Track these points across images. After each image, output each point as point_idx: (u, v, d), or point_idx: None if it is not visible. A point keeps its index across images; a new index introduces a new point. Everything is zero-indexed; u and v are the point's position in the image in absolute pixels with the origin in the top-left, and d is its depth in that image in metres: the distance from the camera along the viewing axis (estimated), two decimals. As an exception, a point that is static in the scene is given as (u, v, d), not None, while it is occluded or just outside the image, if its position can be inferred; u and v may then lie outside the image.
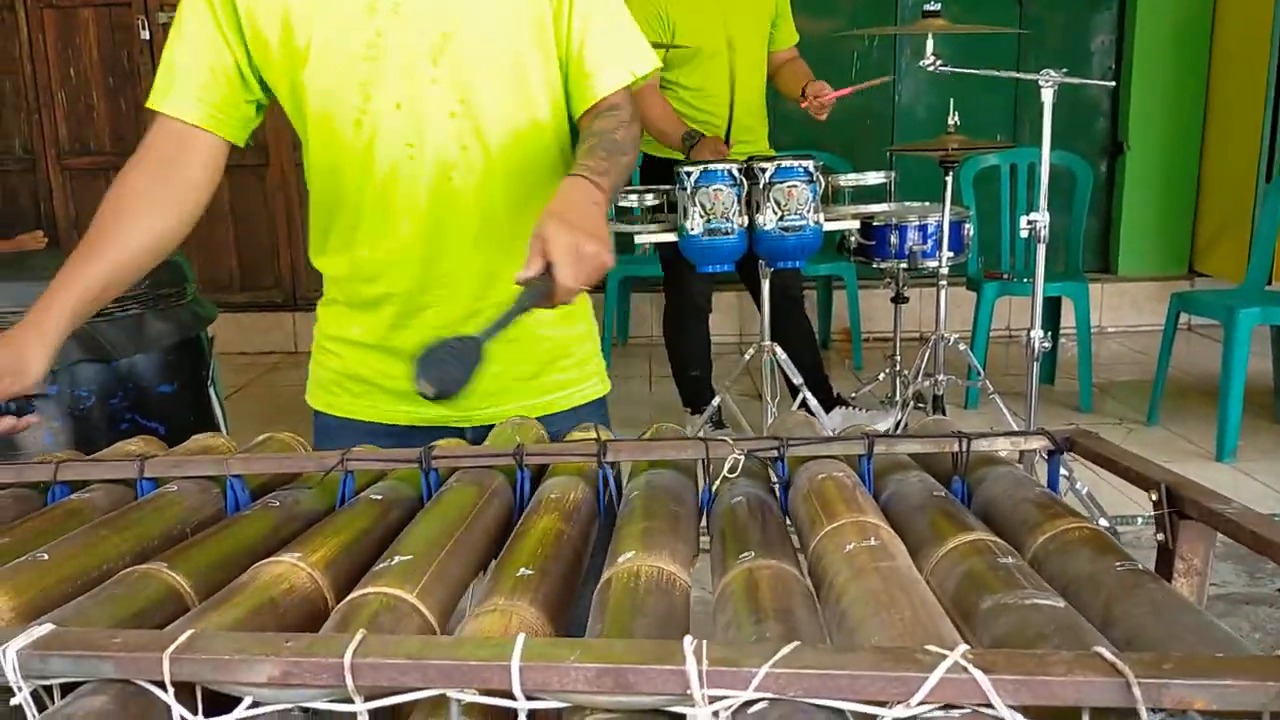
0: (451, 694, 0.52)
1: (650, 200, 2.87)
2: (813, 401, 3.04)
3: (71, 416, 1.88)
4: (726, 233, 2.66)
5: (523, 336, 1.29)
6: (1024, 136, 4.94)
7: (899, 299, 3.41)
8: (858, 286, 4.44)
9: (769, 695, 0.49)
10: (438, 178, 1.21)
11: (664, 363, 4.70)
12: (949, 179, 3.06)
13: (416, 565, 0.74)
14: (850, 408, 3.33)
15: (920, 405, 3.20)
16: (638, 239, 2.95)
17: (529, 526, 0.85)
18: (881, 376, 3.59)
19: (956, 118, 3.00)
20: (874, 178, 2.88)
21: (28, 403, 1.11)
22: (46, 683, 0.55)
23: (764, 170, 2.65)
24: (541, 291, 1.01)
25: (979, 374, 3.25)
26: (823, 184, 2.69)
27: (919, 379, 3.16)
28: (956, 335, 3.18)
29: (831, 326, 4.90)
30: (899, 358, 3.50)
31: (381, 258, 1.25)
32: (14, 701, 0.54)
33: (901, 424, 3.13)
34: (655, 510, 0.88)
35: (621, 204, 2.91)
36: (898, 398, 3.42)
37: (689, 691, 0.49)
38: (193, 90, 1.19)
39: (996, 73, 2.70)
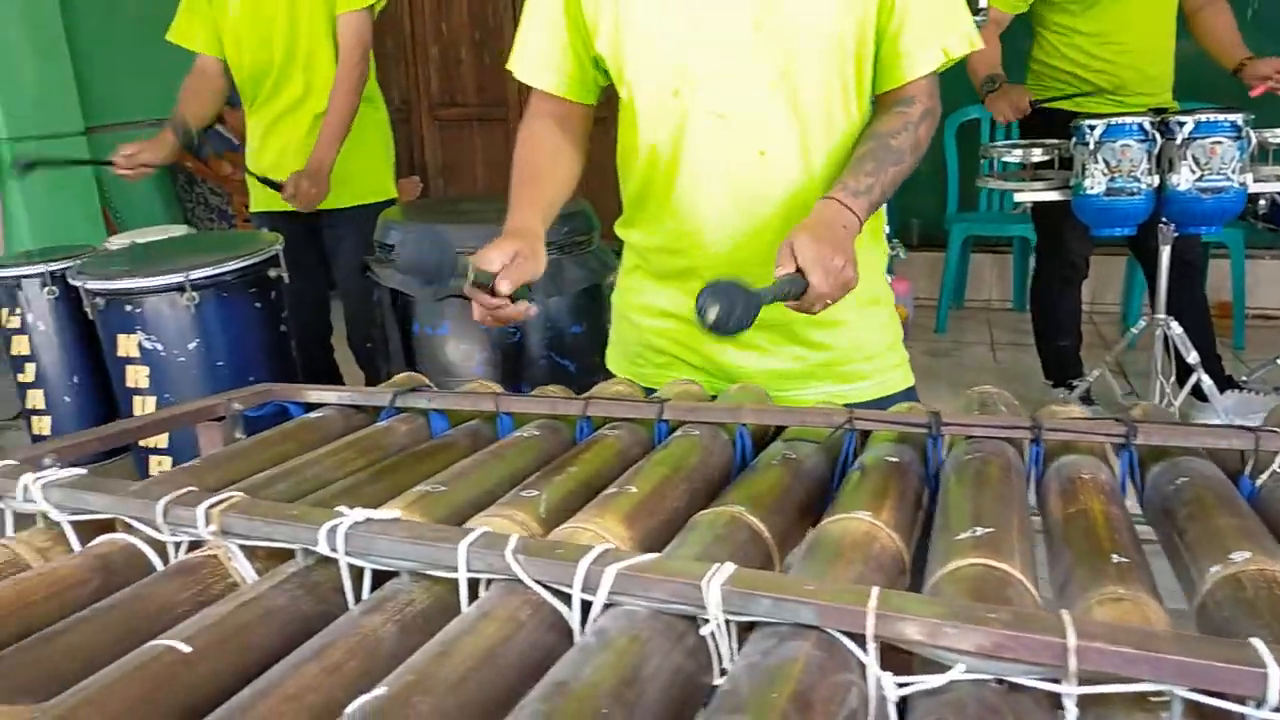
0: (1179, 692, 0.49)
1: (1038, 155, 2.68)
2: (1207, 383, 2.75)
3: (500, 350, 2.06)
4: (1132, 193, 2.44)
5: (827, 321, 1.25)
6: None
7: (1316, 273, 2.99)
8: (1244, 256, 3.96)
9: None
10: (750, 151, 1.20)
11: (1007, 328, 4.46)
12: (1407, 136, 2.61)
13: (999, 537, 0.72)
14: (1245, 390, 2.98)
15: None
16: (1017, 196, 2.77)
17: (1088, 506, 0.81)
18: (1281, 360, 3.17)
19: None
20: (1314, 134, 2.52)
21: (529, 292, 1.16)
22: (737, 619, 0.58)
23: (1181, 125, 2.40)
24: (798, 285, 1.04)
25: None
26: (1253, 141, 2.39)
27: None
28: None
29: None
30: (1308, 339, 3.08)
31: (690, 230, 1.25)
32: (704, 631, 0.58)
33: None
34: (1207, 501, 0.81)
35: (1006, 159, 2.75)
36: (1304, 384, 3.02)
37: None
38: (553, 65, 1.27)
39: None
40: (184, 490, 0.74)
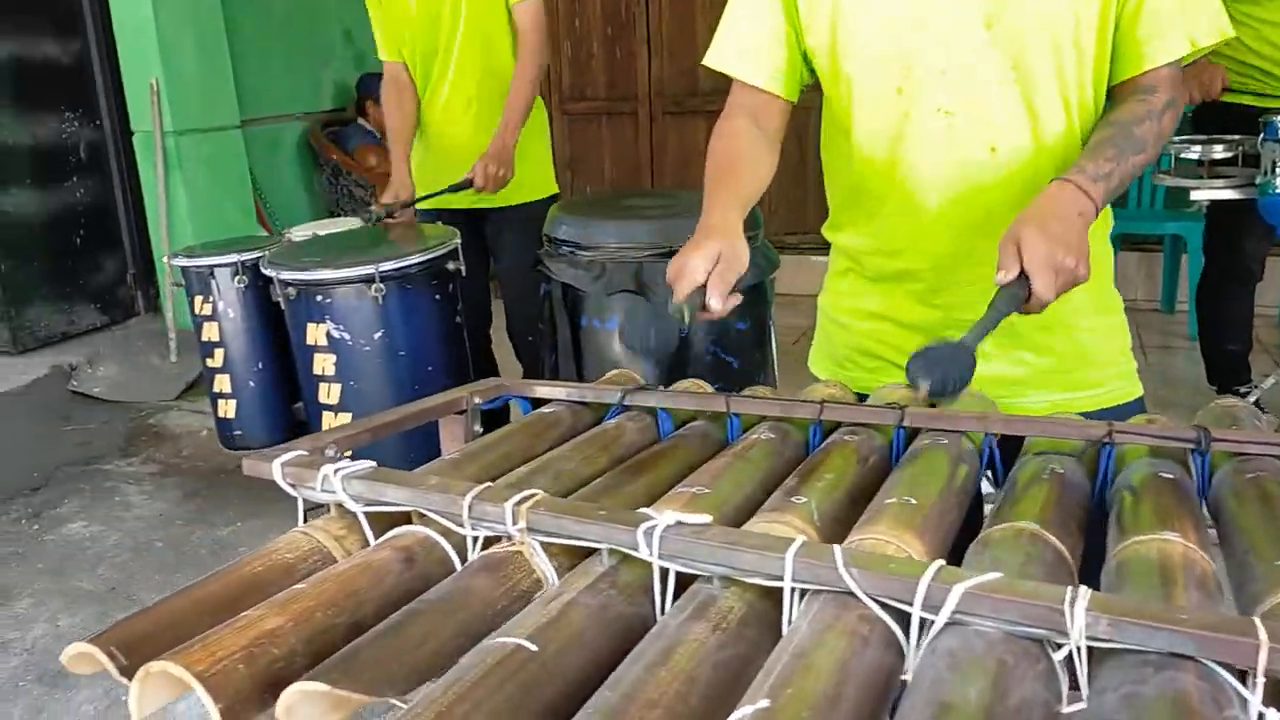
0: None
1: (1220, 152, 2.55)
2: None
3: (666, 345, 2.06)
4: (1326, 192, 2.30)
5: (1055, 325, 1.19)
6: None
7: None
8: None
9: None
10: (980, 149, 1.15)
11: (1156, 330, 4.27)
12: None
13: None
14: None
15: None
16: (1194, 194, 2.64)
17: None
18: None
19: None
20: None
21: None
22: (1099, 645, 0.55)
23: (1385, 119, 2.25)
24: (1018, 298, 0.99)
25: None
26: None
27: None
28: None
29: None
30: None
31: (909, 231, 1.20)
32: (1059, 655, 0.56)
33: None
34: None
35: (1184, 155, 2.63)
36: None
37: None
38: (761, 58, 1.23)
39: None
40: (484, 486, 0.75)
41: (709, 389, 1.21)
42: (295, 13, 4.95)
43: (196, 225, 4.05)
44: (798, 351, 2.56)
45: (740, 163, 1.24)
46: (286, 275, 1.96)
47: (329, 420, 2.05)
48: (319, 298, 1.97)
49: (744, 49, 1.26)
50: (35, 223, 4.10)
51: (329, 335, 1.98)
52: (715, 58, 1.28)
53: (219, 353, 2.36)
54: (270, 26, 4.79)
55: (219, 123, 4.13)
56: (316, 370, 2.01)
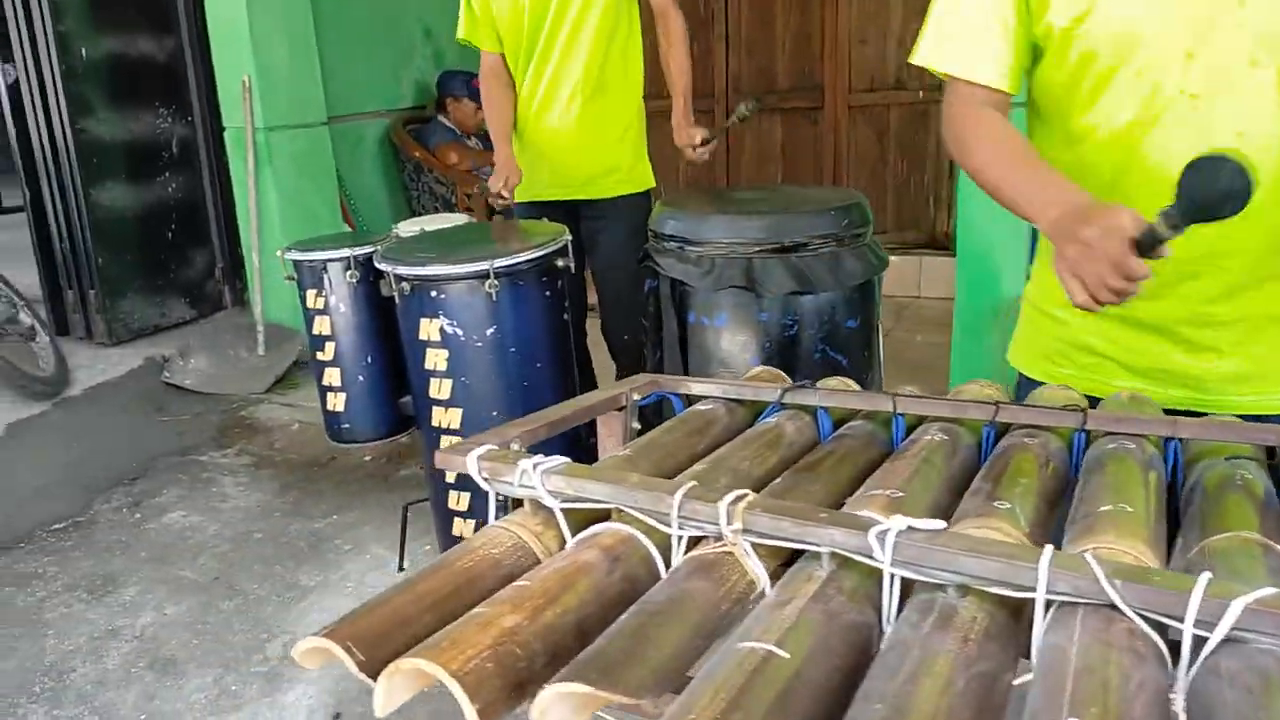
0: None
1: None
2: None
3: (775, 342, 2.03)
4: None
5: None
6: None
7: None
8: None
9: None
10: (1227, 134, 1.08)
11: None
12: None
13: None
14: None
15: None
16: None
17: None
18: None
19: None
20: None
21: None
22: None
23: None
24: None
25: None
26: None
27: None
28: None
29: None
30: None
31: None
32: None
33: None
34: None
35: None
36: None
37: None
38: (991, 55, 1.16)
39: None
40: (691, 484, 0.73)
41: (856, 387, 1.18)
42: (377, 12, 5.01)
43: (285, 220, 4.11)
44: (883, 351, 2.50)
45: (1028, 144, 1.18)
46: (402, 270, 1.97)
47: (439, 416, 2.05)
48: (433, 293, 1.97)
49: (969, 47, 1.18)
50: (129, 216, 4.20)
51: (442, 330, 1.98)
52: (936, 57, 1.20)
53: (330, 346, 2.39)
54: (353, 25, 4.85)
55: (308, 119, 4.19)
56: (428, 365, 2.02)
